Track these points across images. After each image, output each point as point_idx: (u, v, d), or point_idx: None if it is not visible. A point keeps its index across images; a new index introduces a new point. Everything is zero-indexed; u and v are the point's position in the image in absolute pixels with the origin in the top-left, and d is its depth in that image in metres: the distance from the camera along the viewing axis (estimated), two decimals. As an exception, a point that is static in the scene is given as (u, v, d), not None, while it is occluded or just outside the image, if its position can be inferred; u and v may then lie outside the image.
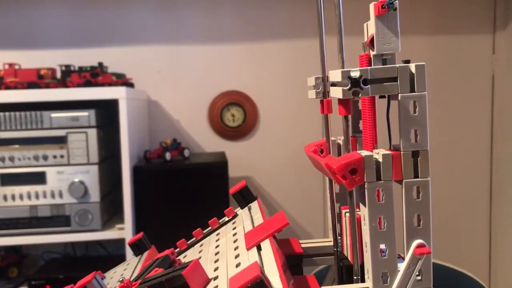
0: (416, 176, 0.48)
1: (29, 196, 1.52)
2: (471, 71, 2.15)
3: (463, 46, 2.13)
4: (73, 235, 1.54)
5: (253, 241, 0.54)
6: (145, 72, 2.00)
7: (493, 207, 2.19)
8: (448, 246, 2.12)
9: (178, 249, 0.70)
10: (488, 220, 2.20)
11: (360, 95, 0.48)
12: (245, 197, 0.71)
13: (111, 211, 1.70)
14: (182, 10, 2.02)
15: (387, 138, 0.54)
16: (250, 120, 2.04)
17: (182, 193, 1.62)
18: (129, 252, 1.49)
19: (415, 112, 0.48)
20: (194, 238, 0.70)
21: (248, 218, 0.65)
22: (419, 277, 0.48)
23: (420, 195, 0.49)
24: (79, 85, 1.58)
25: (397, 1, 0.49)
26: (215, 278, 0.49)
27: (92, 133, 1.54)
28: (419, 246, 0.48)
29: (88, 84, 1.58)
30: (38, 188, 1.53)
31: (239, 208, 0.72)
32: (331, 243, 0.65)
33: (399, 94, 0.48)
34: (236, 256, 0.53)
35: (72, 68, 1.64)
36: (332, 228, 0.64)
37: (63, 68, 1.63)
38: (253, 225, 0.61)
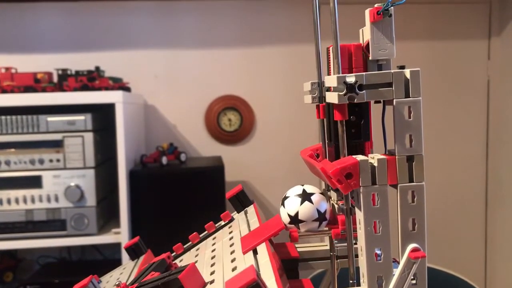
0: (411, 180, 0.49)
1: (25, 200, 1.52)
2: (467, 77, 2.16)
3: (458, 51, 2.14)
4: (69, 239, 1.54)
5: (249, 245, 0.54)
6: (142, 76, 2.00)
7: (488, 211, 2.20)
8: (444, 250, 2.12)
9: (174, 253, 0.70)
10: (483, 225, 2.21)
11: (355, 100, 0.48)
12: (242, 201, 0.71)
13: (107, 215, 1.69)
14: (179, 15, 2.02)
15: (382, 143, 0.54)
16: (246, 124, 2.05)
17: (178, 197, 1.62)
18: (125, 256, 1.49)
19: (409, 117, 0.48)
20: (190, 242, 0.70)
21: (244, 222, 0.65)
22: (414, 281, 0.49)
23: (415, 199, 0.49)
24: (75, 89, 1.58)
25: (392, 8, 0.49)
26: (211, 282, 0.50)
27: (89, 137, 1.54)
28: (414, 250, 0.48)
29: (84, 88, 1.59)
30: (34, 192, 1.52)
31: (236, 212, 0.72)
32: (327, 247, 0.65)
33: (394, 100, 0.48)
34: (232, 260, 0.53)
35: (69, 72, 1.64)
36: (328, 232, 0.64)
37: (60, 72, 1.63)
38: (249, 229, 0.61)
